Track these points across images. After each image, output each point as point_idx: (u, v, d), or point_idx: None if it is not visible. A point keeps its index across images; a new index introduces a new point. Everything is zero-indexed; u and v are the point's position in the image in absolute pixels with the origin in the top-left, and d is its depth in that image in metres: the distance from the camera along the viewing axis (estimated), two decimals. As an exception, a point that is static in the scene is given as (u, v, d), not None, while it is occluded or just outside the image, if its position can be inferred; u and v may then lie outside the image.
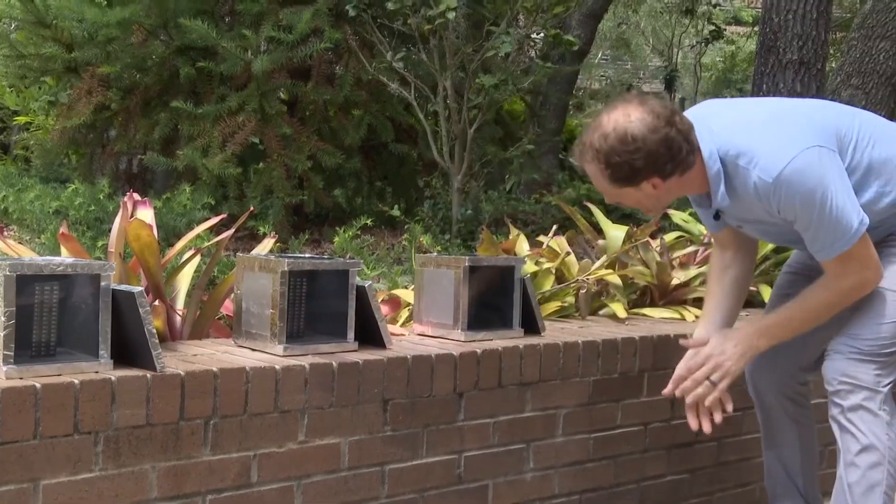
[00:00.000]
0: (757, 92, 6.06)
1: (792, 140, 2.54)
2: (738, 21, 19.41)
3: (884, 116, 7.21)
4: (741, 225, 2.80)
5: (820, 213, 2.53)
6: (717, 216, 2.78)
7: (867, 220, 2.57)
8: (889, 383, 2.67)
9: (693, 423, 2.83)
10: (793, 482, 3.10)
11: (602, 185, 2.63)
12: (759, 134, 2.58)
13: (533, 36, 6.37)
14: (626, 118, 2.50)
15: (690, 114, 2.68)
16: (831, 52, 9.94)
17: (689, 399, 2.80)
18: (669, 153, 2.51)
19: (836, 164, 2.57)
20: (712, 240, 3.01)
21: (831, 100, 6.94)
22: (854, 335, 2.69)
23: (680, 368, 2.81)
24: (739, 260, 2.91)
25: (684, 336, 3.28)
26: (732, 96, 15.06)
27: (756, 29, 9.91)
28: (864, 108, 6.99)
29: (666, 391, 2.83)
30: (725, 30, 15.21)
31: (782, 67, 5.92)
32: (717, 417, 2.79)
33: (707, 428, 2.80)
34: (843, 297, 2.67)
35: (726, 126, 2.62)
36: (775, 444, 3.08)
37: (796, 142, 2.54)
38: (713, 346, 2.77)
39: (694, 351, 2.80)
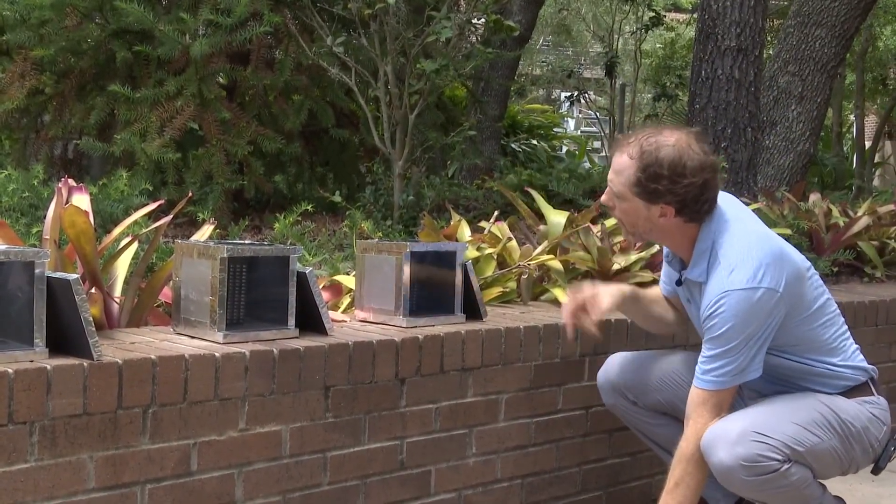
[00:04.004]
0: (696, 78, 6.11)
1: (769, 275, 2.63)
2: (677, 8, 19.58)
3: (821, 103, 7.33)
4: (689, 300, 2.87)
5: (736, 345, 2.63)
6: (679, 282, 2.86)
7: (754, 377, 2.70)
8: None
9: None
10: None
11: (619, 182, 2.68)
12: (750, 252, 2.66)
13: (474, 21, 6.35)
14: (688, 146, 2.61)
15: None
16: (768, 39, 10.05)
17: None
18: (699, 197, 2.63)
19: (778, 316, 2.67)
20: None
21: (768, 87, 7.05)
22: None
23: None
24: (678, 315, 3.02)
25: (622, 321, 3.31)
26: (672, 83, 15.18)
27: (695, 16, 9.99)
28: (801, 94, 7.11)
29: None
30: (665, 16, 15.34)
31: (721, 54, 5.97)
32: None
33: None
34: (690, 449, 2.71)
35: (731, 227, 2.71)
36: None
37: (770, 278, 2.63)
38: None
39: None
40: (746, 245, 2.68)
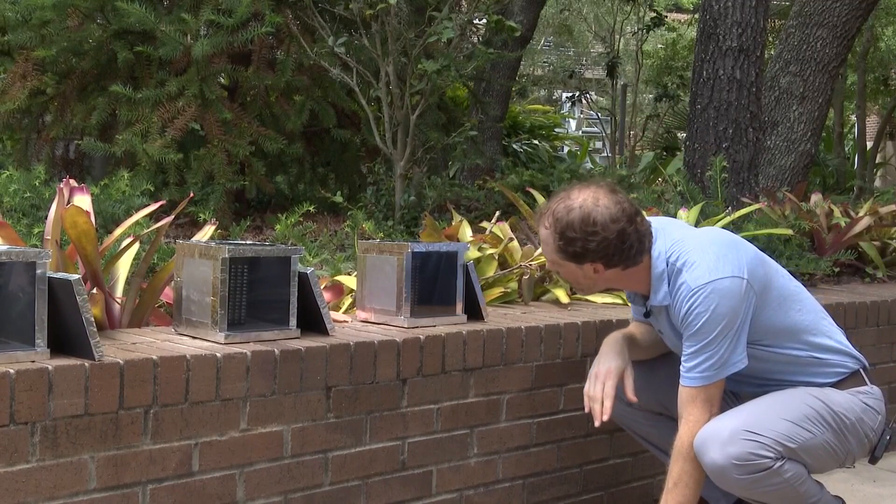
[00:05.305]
0: (697, 79, 6.11)
1: (729, 264, 2.68)
2: (679, 8, 19.59)
3: (822, 103, 7.32)
4: (661, 330, 2.91)
5: (714, 338, 2.65)
6: (647, 314, 2.91)
7: (740, 368, 2.71)
8: None
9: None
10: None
11: (548, 251, 2.77)
12: (705, 249, 2.71)
13: (475, 22, 6.35)
14: (595, 201, 2.66)
15: (654, 220, 2.82)
16: (769, 39, 10.05)
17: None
18: (621, 246, 2.67)
19: (751, 304, 2.70)
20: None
21: (769, 87, 7.05)
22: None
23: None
24: (657, 339, 3.00)
25: (626, 321, 3.30)
26: (673, 83, 15.18)
27: (696, 16, 9.99)
28: (802, 94, 7.10)
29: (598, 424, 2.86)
30: (666, 17, 15.33)
31: (722, 54, 5.97)
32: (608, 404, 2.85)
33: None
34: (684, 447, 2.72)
35: (681, 238, 2.76)
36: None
37: (732, 267, 2.67)
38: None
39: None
40: (699, 245, 2.73)
